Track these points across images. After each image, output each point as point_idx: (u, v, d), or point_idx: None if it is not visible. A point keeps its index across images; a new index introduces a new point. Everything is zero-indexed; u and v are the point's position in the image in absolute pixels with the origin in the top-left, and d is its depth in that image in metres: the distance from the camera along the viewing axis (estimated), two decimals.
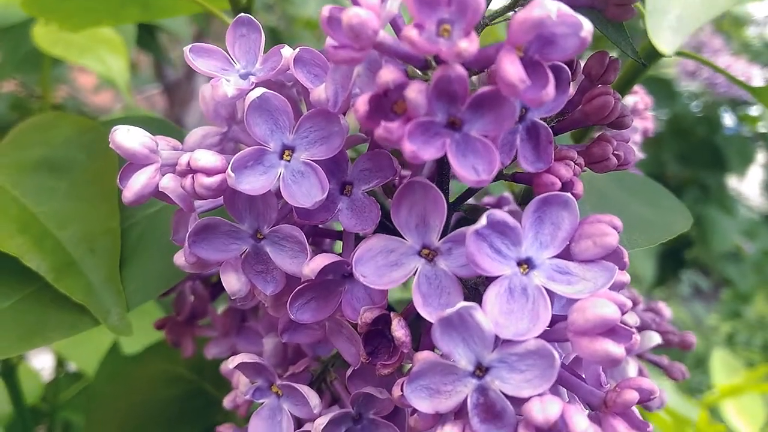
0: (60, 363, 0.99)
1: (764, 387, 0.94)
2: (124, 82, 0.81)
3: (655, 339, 0.44)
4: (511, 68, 0.22)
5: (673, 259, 1.74)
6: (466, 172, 0.25)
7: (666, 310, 0.53)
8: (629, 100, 0.62)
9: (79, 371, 1.04)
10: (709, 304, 2.83)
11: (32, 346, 0.42)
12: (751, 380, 0.95)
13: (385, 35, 0.25)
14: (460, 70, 0.24)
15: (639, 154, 0.61)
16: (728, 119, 1.78)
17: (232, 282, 0.33)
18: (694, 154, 1.63)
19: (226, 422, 0.42)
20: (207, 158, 0.29)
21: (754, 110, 1.66)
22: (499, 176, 0.33)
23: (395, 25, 0.27)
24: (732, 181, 1.81)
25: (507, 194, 0.51)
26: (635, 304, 0.52)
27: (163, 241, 0.45)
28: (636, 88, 0.65)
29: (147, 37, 1.26)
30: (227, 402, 0.41)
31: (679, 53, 0.51)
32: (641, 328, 0.48)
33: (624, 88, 0.48)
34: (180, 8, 0.68)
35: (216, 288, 0.52)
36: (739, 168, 1.62)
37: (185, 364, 0.64)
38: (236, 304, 0.43)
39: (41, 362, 1.35)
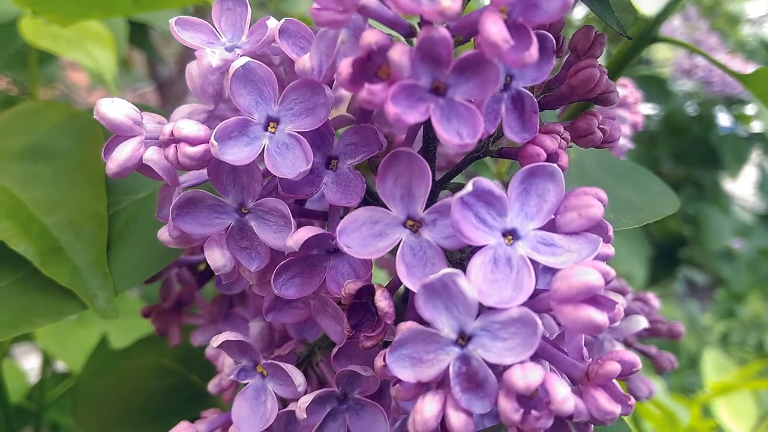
0: (47, 362, 0.98)
1: (755, 384, 0.94)
2: (111, 76, 0.80)
3: (642, 323, 0.44)
4: (494, 28, 0.22)
5: (667, 258, 1.74)
6: (450, 136, 0.24)
7: (654, 300, 0.53)
8: (619, 92, 0.62)
9: (67, 371, 1.03)
10: (704, 302, 2.83)
11: (19, 331, 0.41)
12: (743, 377, 0.95)
13: None
14: (444, 31, 0.23)
15: (628, 145, 0.61)
16: (723, 119, 1.79)
17: (217, 257, 0.33)
18: (688, 152, 1.63)
19: None
20: (190, 127, 0.29)
21: (750, 109, 1.67)
22: (486, 152, 0.32)
23: None
24: (725, 181, 1.81)
25: (497, 182, 0.51)
26: (623, 293, 0.52)
27: (150, 225, 0.45)
28: (626, 81, 0.65)
29: (139, 34, 1.26)
30: (212, 386, 0.41)
31: (674, 42, 0.51)
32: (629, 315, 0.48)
33: (614, 75, 0.49)
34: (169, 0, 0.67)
35: (203, 275, 0.51)
36: (733, 167, 1.63)
37: (173, 356, 0.64)
38: (222, 286, 0.43)
39: (30, 363, 1.34)
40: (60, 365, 1.09)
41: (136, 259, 0.45)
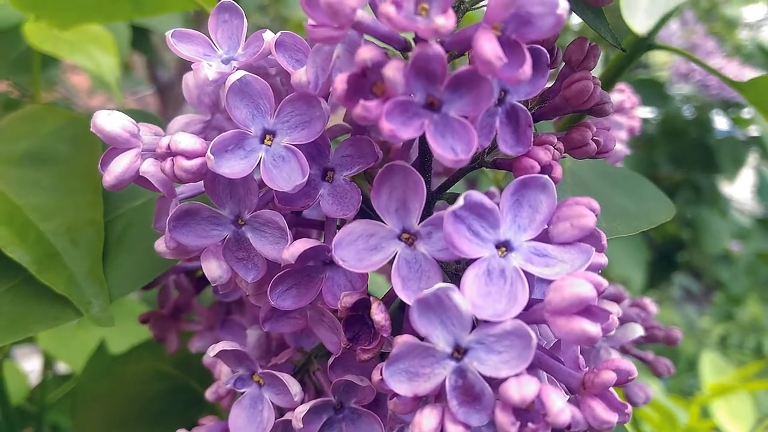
0: (48, 364, 0.98)
1: (753, 385, 0.94)
2: (114, 79, 0.81)
3: (638, 330, 0.44)
4: (488, 45, 0.22)
5: (665, 262, 1.74)
6: (445, 151, 0.25)
7: (651, 305, 0.53)
8: (616, 97, 0.62)
9: (68, 373, 1.04)
10: (701, 307, 2.84)
11: (16, 337, 0.41)
12: (741, 379, 0.95)
13: (364, 14, 0.25)
14: (438, 48, 0.24)
15: (625, 150, 0.61)
16: (721, 122, 1.79)
17: (213, 269, 0.33)
18: (686, 155, 1.64)
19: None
20: (187, 141, 0.29)
21: (747, 112, 1.67)
22: (481, 163, 0.33)
23: (374, 6, 0.27)
24: (724, 185, 1.82)
25: (493, 189, 0.51)
26: (620, 300, 0.52)
27: (147, 233, 0.45)
28: (623, 86, 0.65)
29: (140, 38, 1.27)
30: (209, 393, 0.41)
31: (669, 49, 0.51)
32: (626, 322, 0.48)
33: (609, 83, 0.49)
34: (171, 5, 0.68)
35: (201, 282, 0.52)
36: (731, 170, 1.63)
37: (171, 361, 0.64)
38: (219, 294, 0.43)
39: (31, 365, 1.34)
40: (61, 367, 1.09)
41: (133, 266, 0.45)
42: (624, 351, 0.50)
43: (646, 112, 1.72)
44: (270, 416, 0.35)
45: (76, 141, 0.51)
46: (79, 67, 0.94)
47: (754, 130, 1.74)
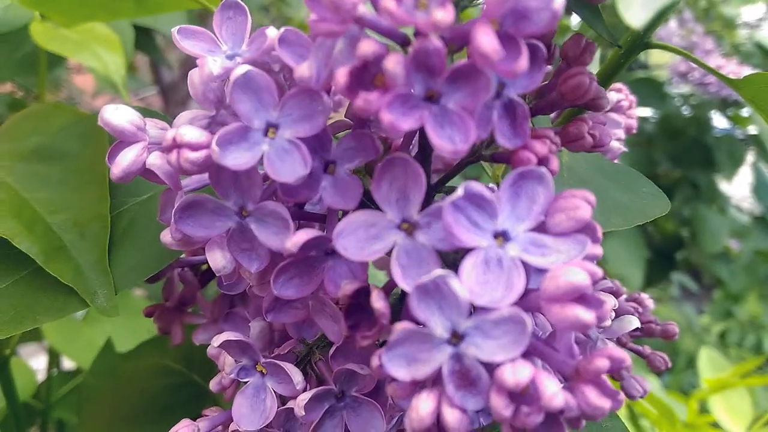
0: (54, 361, 0.99)
1: (751, 381, 0.95)
2: (120, 79, 0.81)
3: (634, 322, 0.44)
4: (486, 39, 0.23)
5: (664, 260, 1.75)
6: (444, 142, 0.25)
7: (648, 301, 0.54)
8: (614, 96, 0.63)
9: (73, 369, 1.04)
10: (700, 306, 2.85)
11: (23, 327, 0.42)
12: (738, 375, 0.96)
13: (366, 9, 0.26)
14: (437, 42, 0.24)
15: (622, 148, 0.62)
16: (719, 121, 1.80)
17: (218, 259, 0.34)
18: (685, 154, 1.65)
19: None
20: (192, 133, 0.30)
21: (745, 111, 1.68)
22: (479, 156, 0.33)
23: (375, 1, 0.28)
24: (723, 183, 1.83)
25: (492, 185, 0.52)
26: (617, 294, 0.53)
27: (152, 226, 0.46)
28: (620, 85, 0.66)
29: (144, 38, 1.28)
30: (213, 384, 0.42)
31: (666, 48, 0.52)
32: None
33: (606, 81, 0.49)
34: (174, 3, 0.69)
35: (205, 275, 0.53)
36: (729, 168, 1.64)
37: (175, 356, 0.65)
38: (223, 287, 0.44)
39: (37, 364, 1.34)
40: (66, 364, 1.10)
41: (137, 258, 0.46)
42: (620, 344, 0.51)
43: (645, 111, 1.73)
44: (273, 405, 0.36)
45: (84, 138, 0.52)
46: (83, 68, 0.95)
47: (752, 129, 1.75)
